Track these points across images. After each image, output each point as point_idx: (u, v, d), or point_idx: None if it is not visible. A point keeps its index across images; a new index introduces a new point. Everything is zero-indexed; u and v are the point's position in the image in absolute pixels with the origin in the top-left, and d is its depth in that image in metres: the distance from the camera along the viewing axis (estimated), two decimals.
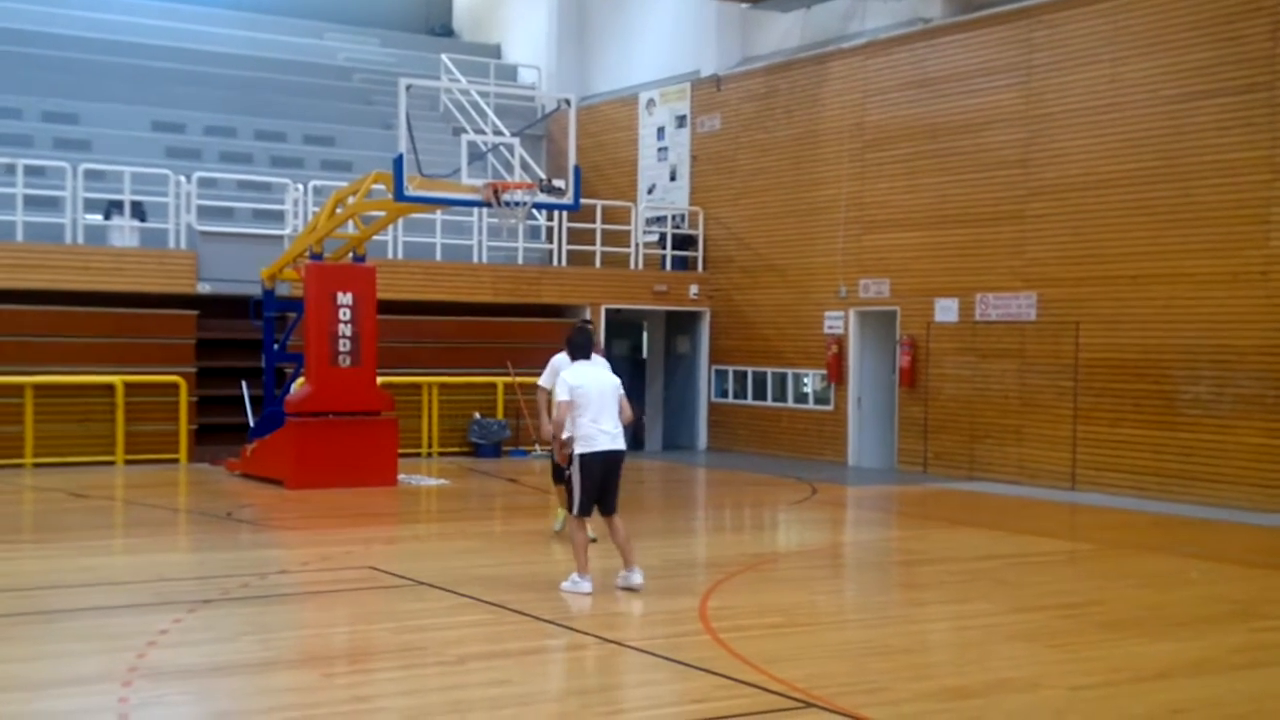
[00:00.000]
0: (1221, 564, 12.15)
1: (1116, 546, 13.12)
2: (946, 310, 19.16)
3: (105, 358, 18.88)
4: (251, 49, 26.44)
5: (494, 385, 21.26)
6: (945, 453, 19.21)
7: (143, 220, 19.86)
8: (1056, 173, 17.77)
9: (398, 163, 15.08)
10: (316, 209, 19.06)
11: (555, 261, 22.85)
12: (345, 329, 16.76)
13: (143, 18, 26.28)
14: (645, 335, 24.50)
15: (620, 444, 10.11)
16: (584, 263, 23.04)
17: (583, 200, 17.09)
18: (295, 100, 25.31)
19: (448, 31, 31.15)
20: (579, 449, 10.00)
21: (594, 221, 22.78)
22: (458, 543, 12.94)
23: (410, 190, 15.24)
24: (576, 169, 16.16)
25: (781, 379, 22.03)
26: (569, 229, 22.88)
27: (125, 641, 8.19)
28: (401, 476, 17.34)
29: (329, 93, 26.20)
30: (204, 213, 20.33)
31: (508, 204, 15.07)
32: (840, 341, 20.78)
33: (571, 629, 8.92)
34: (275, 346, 18.24)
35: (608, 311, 22.43)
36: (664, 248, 23.59)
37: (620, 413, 10.13)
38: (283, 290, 18.43)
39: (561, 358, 11.46)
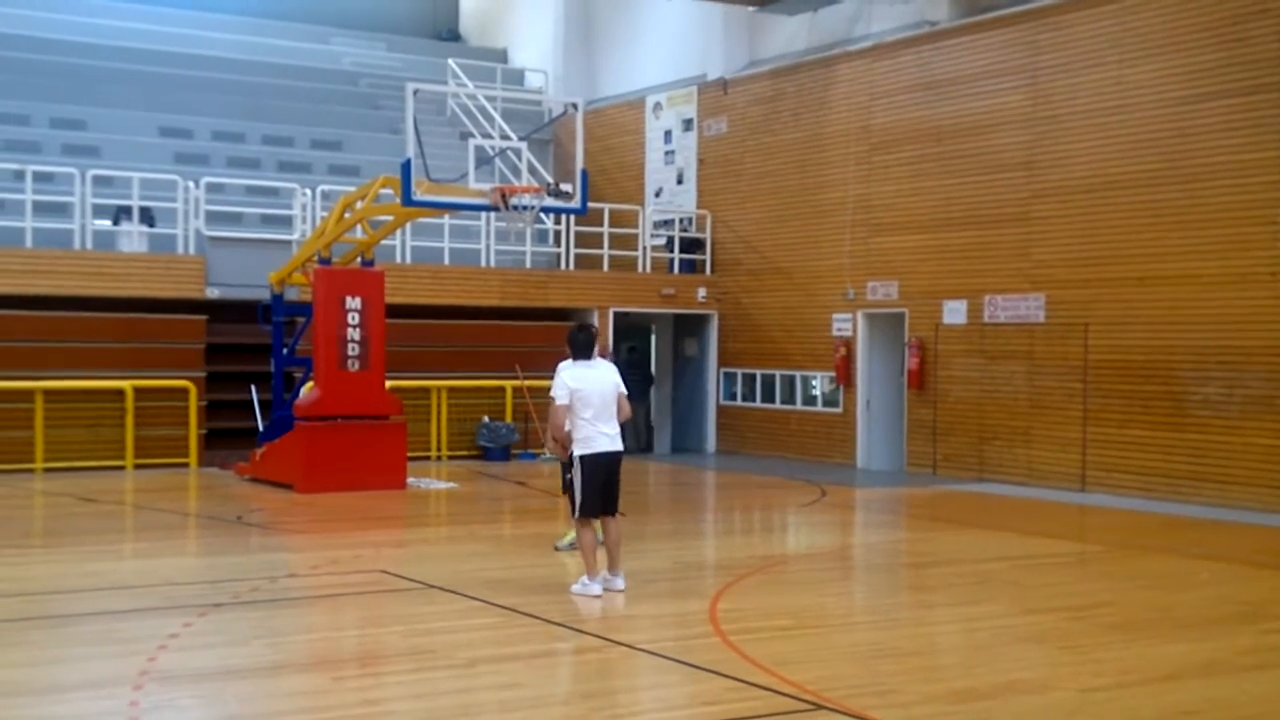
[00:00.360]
0: (1231, 565, 12.14)
1: (1126, 548, 13.11)
2: (955, 312, 19.14)
3: (115, 363, 18.92)
4: (259, 54, 26.49)
5: (502, 389, 21.28)
6: (954, 455, 19.19)
7: (151, 226, 19.91)
8: (1063, 174, 17.76)
9: (405, 167, 15.11)
10: (324, 214, 19.09)
11: (563, 265, 22.86)
12: (354, 333, 16.79)
13: (150, 24, 26.33)
14: (654, 338, 24.51)
15: (619, 445, 10.13)
16: (592, 266, 23.06)
17: (590, 204, 17.13)
18: (303, 105, 25.36)
19: (454, 36, 31.19)
20: (579, 450, 10.02)
21: (601, 225, 22.80)
22: (467, 546, 12.95)
23: (418, 195, 15.27)
24: (584, 173, 16.18)
25: (790, 381, 22.03)
26: (576, 233, 22.90)
27: (136, 646, 8.21)
28: (410, 480, 17.37)
29: (336, 98, 26.25)
30: (212, 218, 20.37)
31: (515, 208, 15.09)
32: (849, 344, 20.78)
33: (581, 632, 8.92)
34: (284, 351, 18.28)
35: (615, 315, 22.44)
36: (671, 251, 23.60)
37: (619, 411, 10.15)
38: (291, 295, 18.46)
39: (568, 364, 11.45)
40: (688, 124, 24.09)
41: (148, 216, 19.92)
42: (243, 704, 7.11)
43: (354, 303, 16.82)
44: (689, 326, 23.86)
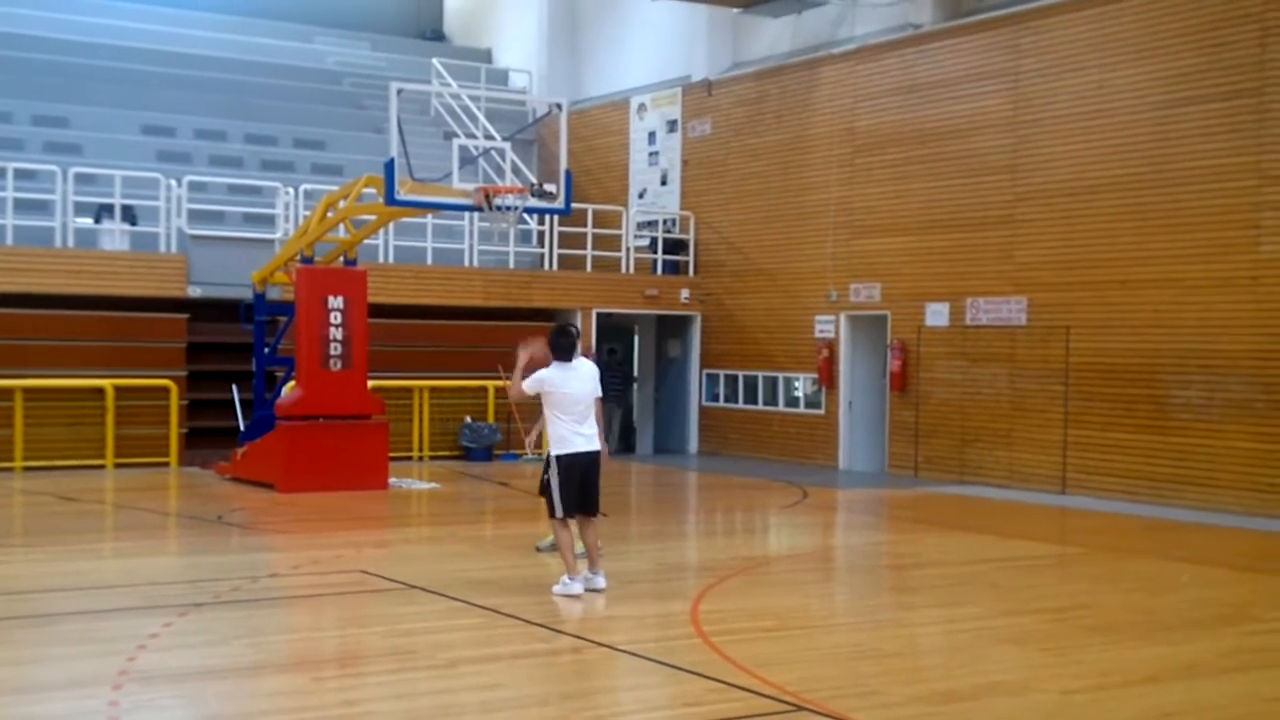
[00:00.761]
0: (1212, 568, 12.19)
1: (1107, 550, 13.15)
2: (937, 314, 19.19)
3: (96, 361, 18.85)
4: (241, 53, 26.41)
5: (485, 389, 21.26)
6: (936, 457, 19.24)
7: (133, 224, 19.85)
8: (1045, 178, 17.82)
9: (389, 167, 15.09)
10: (307, 213, 19.05)
11: (546, 266, 22.85)
12: (336, 332, 16.75)
13: (132, 22, 26.24)
14: (636, 339, 24.52)
15: (595, 445, 10.16)
16: (575, 267, 23.05)
17: (574, 204, 17.12)
18: (286, 104, 25.30)
19: (439, 36, 31.15)
20: (555, 450, 10.06)
21: (585, 226, 22.80)
22: (448, 546, 12.93)
23: (401, 194, 15.25)
24: (568, 173, 16.17)
25: (772, 383, 22.05)
26: (560, 233, 22.90)
27: (116, 645, 8.17)
28: (392, 480, 17.34)
29: (319, 97, 26.19)
30: (194, 216, 20.31)
31: (499, 208, 15.07)
32: (831, 345, 20.81)
33: (563, 633, 8.92)
34: (266, 350, 18.23)
35: (599, 315, 22.44)
36: (655, 252, 23.60)
37: (597, 411, 10.23)
38: (273, 294, 18.42)
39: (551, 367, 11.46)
40: (672, 125, 24.10)
41: (129, 215, 19.86)
42: (223, 704, 7.09)
43: (336, 302, 16.79)
44: (672, 327, 23.88)
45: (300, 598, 10.35)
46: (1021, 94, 18.18)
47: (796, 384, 21.70)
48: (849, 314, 20.68)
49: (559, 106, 16.81)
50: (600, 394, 10.62)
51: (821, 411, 21.11)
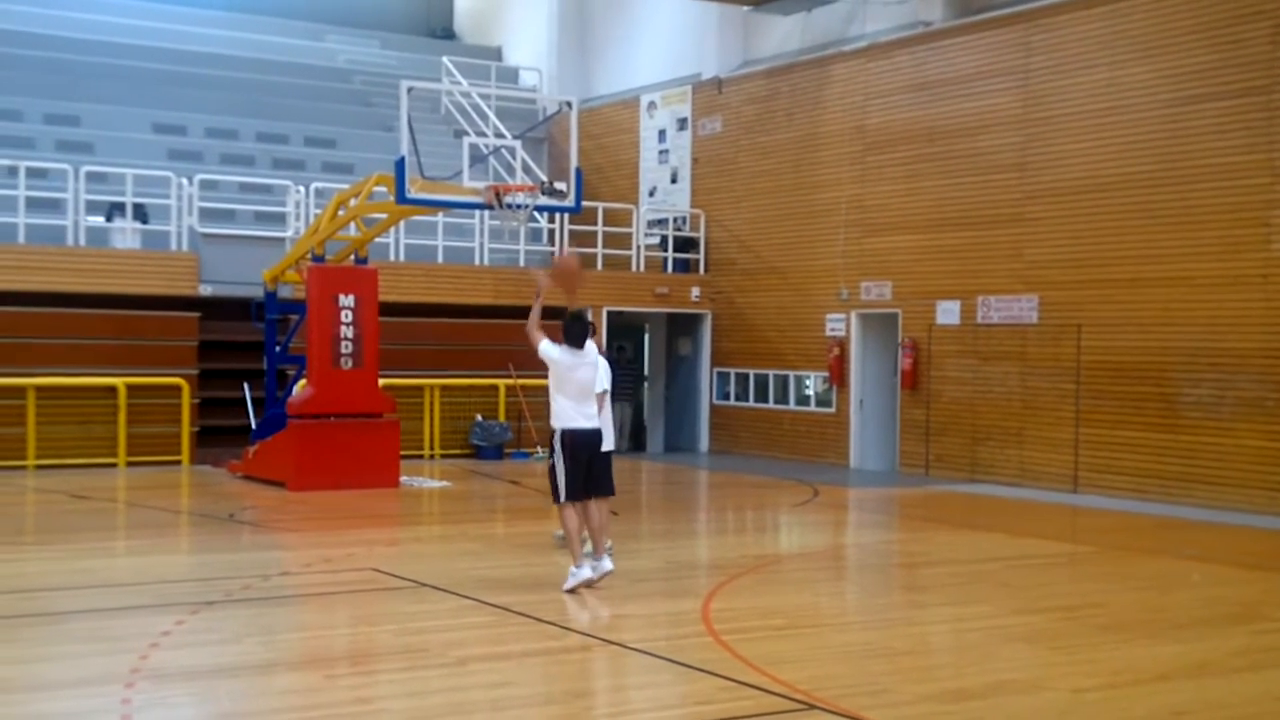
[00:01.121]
0: (1223, 566, 12.16)
1: (1118, 549, 13.13)
2: (948, 313, 19.16)
3: (107, 360, 18.90)
4: (252, 51, 26.47)
5: (496, 387, 21.27)
6: (947, 455, 19.22)
7: (144, 222, 19.89)
8: (1056, 176, 17.79)
9: (399, 165, 15.11)
10: (318, 211, 19.08)
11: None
12: (347, 331, 16.78)
13: (144, 20, 26.31)
14: (647, 337, 24.52)
15: (596, 424, 10.22)
16: (585, 265, 23.01)
17: (584, 203, 17.12)
18: (296, 103, 25.34)
19: (449, 34, 31.19)
20: (557, 424, 10.13)
21: (595, 224, 22.81)
22: (460, 545, 12.95)
23: (412, 193, 15.27)
24: (578, 171, 16.18)
25: (783, 381, 22.04)
26: (570, 231, 22.90)
27: (127, 643, 8.19)
28: (403, 478, 17.36)
29: (330, 95, 26.23)
30: (205, 215, 20.35)
31: (509, 206, 15.09)
32: (842, 344, 20.80)
33: (574, 631, 8.92)
34: (277, 348, 18.26)
35: (609, 314, 22.45)
36: (665, 250, 23.61)
37: (600, 397, 10.31)
38: (284, 292, 18.46)
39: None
40: (682, 123, 24.09)
41: (141, 213, 19.90)
42: (235, 702, 7.11)
43: (347, 300, 16.81)
44: (683, 326, 23.87)
45: (312, 596, 10.37)
46: (1032, 91, 18.14)
47: (807, 382, 21.69)
48: (860, 312, 20.66)
49: (569, 105, 16.82)
50: (606, 388, 10.72)
51: (832, 410, 21.10)
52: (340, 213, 16.95)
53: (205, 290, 19.46)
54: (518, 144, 16.41)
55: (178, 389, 19.06)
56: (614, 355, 22.42)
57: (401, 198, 15.28)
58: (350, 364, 16.84)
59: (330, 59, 27.76)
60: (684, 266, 23.60)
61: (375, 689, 7.51)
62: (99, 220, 19.78)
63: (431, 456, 20.89)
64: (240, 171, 22.57)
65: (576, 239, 23.08)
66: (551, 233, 23.16)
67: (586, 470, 10.15)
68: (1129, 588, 10.94)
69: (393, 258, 20.95)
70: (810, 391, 21.65)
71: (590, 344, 10.45)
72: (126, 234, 19.58)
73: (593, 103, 25.71)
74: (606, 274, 22.84)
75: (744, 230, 22.80)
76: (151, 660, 7.80)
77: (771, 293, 22.22)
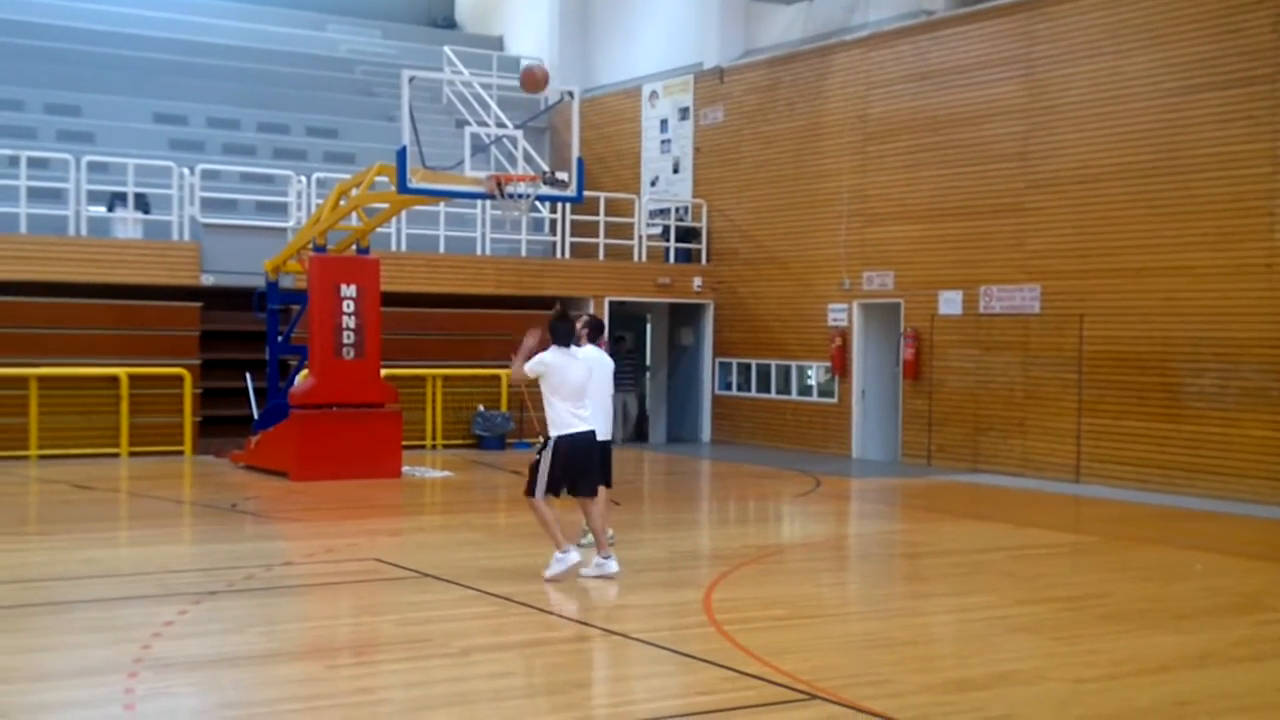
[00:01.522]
0: (1226, 556, 12.16)
1: (1120, 539, 13.13)
2: (950, 303, 19.15)
3: (109, 350, 18.90)
4: (254, 41, 26.43)
5: (498, 377, 21.27)
6: (949, 445, 19.21)
7: (146, 212, 19.87)
8: (1059, 165, 17.76)
9: (401, 155, 15.10)
10: (320, 201, 19.07)
11: (558, 254, 22.84)
12: (349, 321, 16.77)
13: (145, 10, 26.26)
14: (649, 328, 24.50)
15: (592, 425, 10.21)
16: (587, 255, 23.04)
17: (586, 193, 17.10)
18: (298, 92, 25.30)
19: (450, 23, 31.13)
20: (553, 431, 10.12)
21: (597, 214, 22.79)
22: (462, 535, 12.95)
23: (413, 183, 15.25)
24: (580, 161, 16.16)
25: (785, 371, 22.03)
26: (572, 221, 22.88)
27: (130, 633, 8.21)
28: (405, 469, 17.36)
29: (332, 85, 26.19)
30: (207, 205, 20.34)
31: (511, 196, 15.07)
32: (844, 334, 20.79)
33: (576, 621, 8.93)
34: (279, 339, 18.26)
35: (611, 304, 22.44)
36: (667, 240, 23.58)
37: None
38: (286, 282, 18.45)
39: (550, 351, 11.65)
40: (684, 113, 24.06)
41: (142, 203, 19.88)
42: (237, 691, 7.11)
43: (349, 290, 16.80)
44: (684, 316, 23.85)
45: (314, 586, 10.37)
46: (1035, 81, 18.11)
47: (809, 372, 21.68)
48: (862, 302, 20.64)
49: (571, 94, 16.79)
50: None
51: (834, 400, 21.09)
52: (342, 203, 16.94)
53: (207, 280, 19.45)
54: (519, 134, 16.38)
55: (180, 379, 19.07)
56: (613, 346, 22.43)
57: (403, 187, 15.27)
58: (352, 354, 16.84)
59: (332, 48, 27.72)
60: (686, 256, 23.58)
61: (378, 679, 7.51)
62: (100, 210, 19.77)
63: (433, 447, 20.90)
64: (242, 161, 22.55)
65: (578, 228, 23.05)
66: (553, 223, 23.14)
67: (575, 470, 10.13)
68: (1131, 578, 10.94)
69: (394, 248, 20.94)
70: (812, 382, 21.64)
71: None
72: (128, 224, 19.57)
73: (595, 92, 25.67)
74: (608, 264, 22.83)
75: (746, 220, 22.78)
76: (154, 650, 7.81)
77: (773, 283, 22.21)
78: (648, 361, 24.39)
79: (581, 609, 9.31)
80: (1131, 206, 16.91)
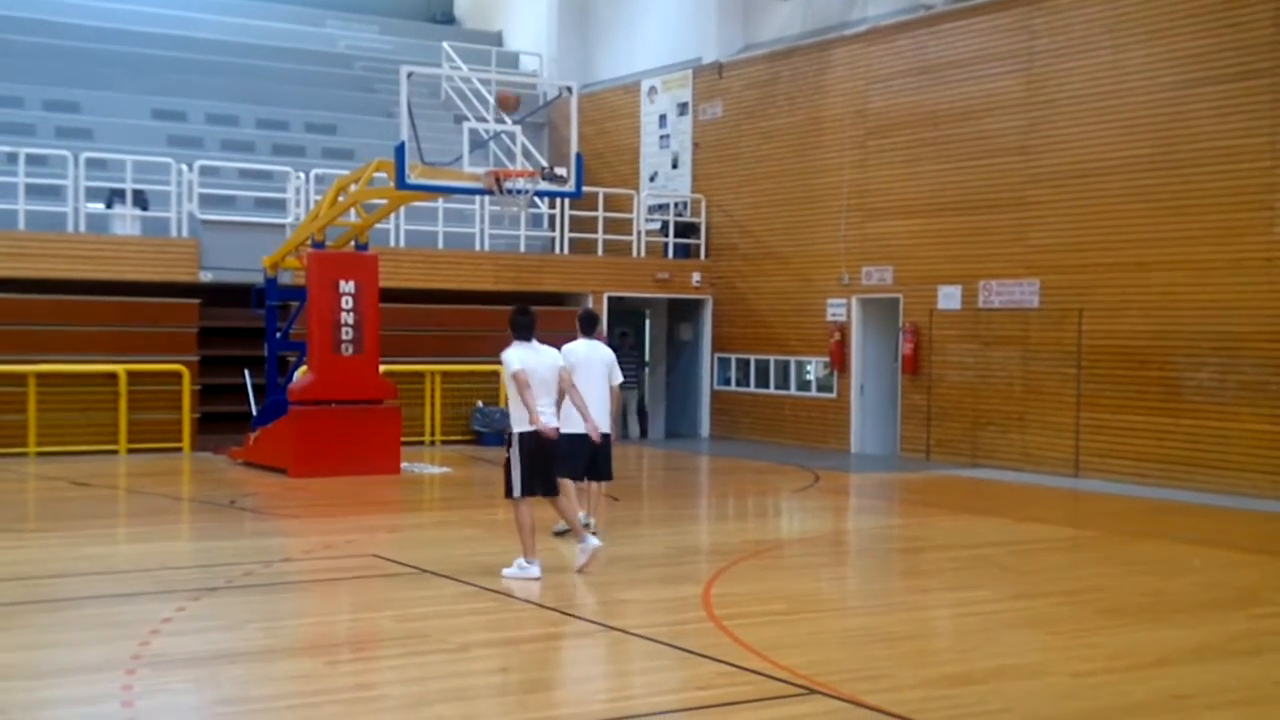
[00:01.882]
0: (1224, 550, 12.16)
1: (1119, 533, 13.13)
2: (949, 297, 19.14)
3: (108, 346, 18.89)
4: (252, 37, 26.42)
5: (496, 373, 21.20)
6: (948, 440, 19.21)
7: (144, 209, 19.86)
8: (1058, 159, 17.75)
9: (399, 151, 15.08)
10: (318, 197, 19.04)
11: (557, 249, 22.83)
12: (347, 317, 16.77)
13: (144, 6, 26.24)
14: (648, 323, 24.50)
15: (555, 422, 10.19)
16: (586, 250, 23.03)
17: (585, 188, 17.07)
18: (296, 88, 25.29)
19: (449, 19, 31.11)
20: (516, 428, 10.06)
21: (596, 209, 22.77)
22: (461, 531, 12.95)
23: (412, 178, 15.24)
24: (578, 156, 16.14)
25: (784, 367, 22.03)
26: (571, 217, 22.87)
27: (129, 630, 8.20)
28: (404, 465, 17.37)
29: (330, 80, 26.18)
30: (206, 201, 20.33)
31: (510, 192, 15.05)
32: (843, 329, 20.78)
33: (574, 616, 8.93)
34: (278, 335, 18.25)
35: (610, 299, 22.43)
36: (666, 235, 23.57)
37: (558, 391, 10.31)
38: (285, 279, 18.43)
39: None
40: (683, 108, 24.05)
41: (141, 200, 19.87)
42: (236, 688, 7.11)
43: (347, 287, 16.79)
44: (683, 311, 23.85)
45: (313, 582, 10.38)
46: (1035, 75, 18.10)
47: (808, 367, 21.68)
48: (861, 297, 20.64)
49: (569, 90, 16.78)
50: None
51: (833, 395, 21.09)
52: (340, 199, 16.92)
53: (206, 277, 19.44)
54: (518, 129, 16.38)
55: (178, 375, 19.06)
56: (616, 341, 22.45)
57: (401, 183, 15.25)
58: (351, 350, 16.83)
59: (330, 44, 27.71)
60: (685, 252, 23.57)
61: (376, 675, 7.52)
62: (99, 207, 19.76)
63: (432, 442, 20.89)
64: (240, 157, 22.54)
65: (577, 224, 23.04)
66: (552, 218, 23.13)
67: (542, 469, 10.10)
68: (1130, 572, 10.95)
69: (393, 243, 20.93)
70: (811, 377, 21.64)
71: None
72: (127, 220, 19.56)
73: (593, 88, 25.65)
74: (607, 259, 22.82)
75: (745, 215, 22.77)
76: (153, 646, 7.81)
77: (772, 278, 22.20)
78: (646, 357, 24.38)
79: (580, 604, 9.31)
80: (1131, 201, 16.90)
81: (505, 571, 10.00)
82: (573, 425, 10.89)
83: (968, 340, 18.94)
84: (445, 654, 7.89)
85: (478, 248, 22.02)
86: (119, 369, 18.74)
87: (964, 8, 19.27)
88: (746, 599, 9.55)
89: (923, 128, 19.59)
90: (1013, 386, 18.34)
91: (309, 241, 17.19)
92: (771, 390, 22.21)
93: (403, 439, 17.66)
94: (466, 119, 17.53)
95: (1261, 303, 15.56)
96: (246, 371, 19.31)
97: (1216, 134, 16.01)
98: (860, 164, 20.57)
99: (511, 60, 28.12)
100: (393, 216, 20.06)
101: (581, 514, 11.52)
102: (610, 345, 12.62)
